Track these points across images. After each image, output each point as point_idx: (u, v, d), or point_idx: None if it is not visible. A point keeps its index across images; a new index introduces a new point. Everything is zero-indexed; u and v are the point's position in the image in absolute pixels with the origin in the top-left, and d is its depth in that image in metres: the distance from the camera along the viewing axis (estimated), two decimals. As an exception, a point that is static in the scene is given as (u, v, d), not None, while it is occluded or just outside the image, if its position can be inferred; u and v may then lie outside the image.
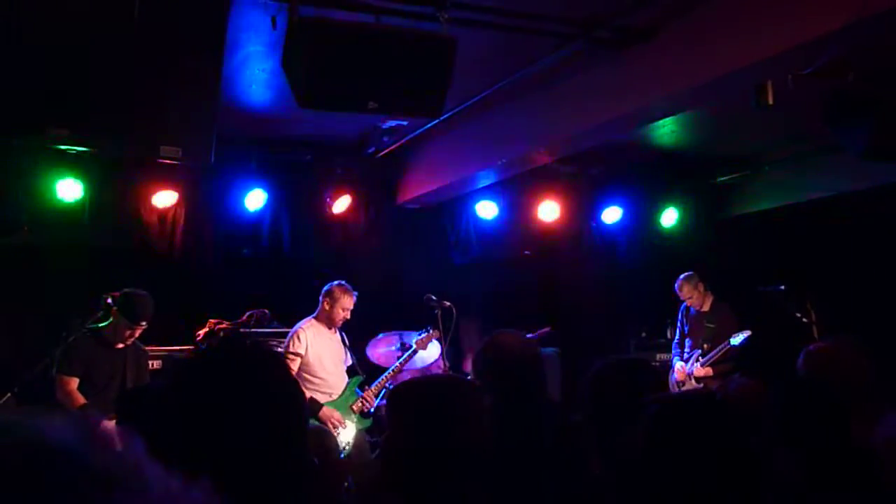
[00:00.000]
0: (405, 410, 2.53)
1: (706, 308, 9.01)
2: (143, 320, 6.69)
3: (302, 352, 7.44)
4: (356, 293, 7.66)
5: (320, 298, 7.67)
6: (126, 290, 6.78)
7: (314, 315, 7.68)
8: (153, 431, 1.71)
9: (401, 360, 7.98)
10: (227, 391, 1.73)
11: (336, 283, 7.66)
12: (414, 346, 8.06)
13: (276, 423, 1.75)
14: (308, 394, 7.33)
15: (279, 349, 7.70)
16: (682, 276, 9.10)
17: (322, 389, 7.46)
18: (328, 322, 7.63)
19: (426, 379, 2.82)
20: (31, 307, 8.28)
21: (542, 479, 3.37)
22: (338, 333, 7.75)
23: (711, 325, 8.87)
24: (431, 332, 8.04)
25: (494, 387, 3.77)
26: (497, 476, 3.17)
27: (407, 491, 2.42)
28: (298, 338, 7.51)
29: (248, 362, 1.82)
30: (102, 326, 6.75)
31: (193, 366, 1.89)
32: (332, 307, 7.58)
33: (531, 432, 3.56)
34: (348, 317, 7.64)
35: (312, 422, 7.02)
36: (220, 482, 1.59)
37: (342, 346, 7.77)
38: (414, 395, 2.59)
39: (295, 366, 7.37)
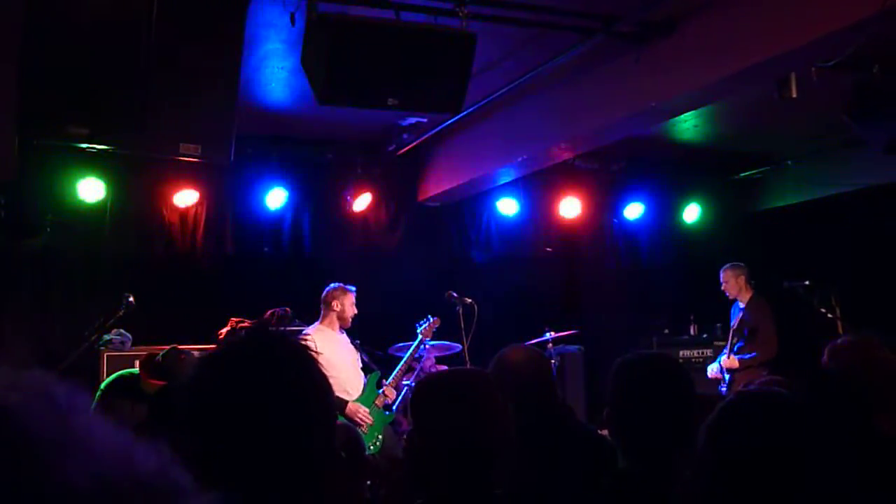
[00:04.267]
0: (430, 407, 2.50)
1: (743, 303, 8.95)
2: None
3: None
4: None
5: (323, 302, 7.71)
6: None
7: (318, 321, 7.72)
8: (181, 426, 1.69)
9: (409, 351, 7.96)
10: (256, 383, 1.70)
11: (335, 285, 7.72)
12: (420, 336, 8.03)
13: (305, 415, 1.72)
14: None
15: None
16: (728, 264, 9.06)
17: (339, 388, 7.47)
18: (341, 322, 7.67)
19: (448, 374, 2.78)
20: (53, 307, 8.31)
21: (560, 487, 3.36)
22: (345, 335, 7.78)
23: (746, 319, 8.80)
24: (433, 319, 8.02)
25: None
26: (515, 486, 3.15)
27: (432, 491, 2.40)
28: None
29: (276, 354, 1.79)
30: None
31: (220, 358, 1.87)
32: (343, 307, 7.63)
33: (543, 444, 3.56)
34: (356, 311, 7.70)
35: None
36: (247, 475, 1.58)
37: (353, 347, 7.79)
38: (437, 391, 2.56)
39: None
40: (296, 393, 1.73)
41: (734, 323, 8.88)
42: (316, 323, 7.73)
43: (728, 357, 8.71)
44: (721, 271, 9.03)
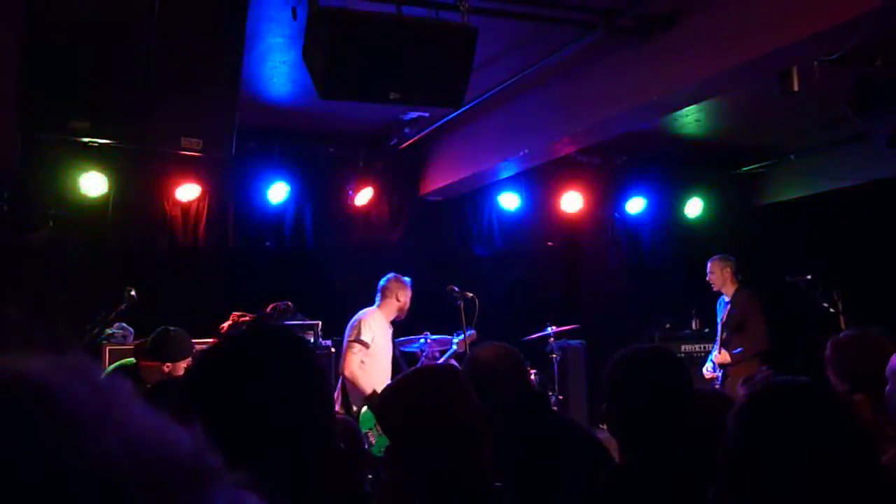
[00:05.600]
0: (395, 414, 2.50)
1: (728, 296, 8.95)
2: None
3: (369, 340, 7.48)
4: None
5: (385, 292, 7.75)
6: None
7: (377, 306, 7.74)
8: (180, 416, 1.69)
9: (443, 360, 7.99)
10: (255, 375, 1.71)
11: (396, 276, 7.80)
12: (454, 348, 8.06)
13: (304, 407, 1.72)
14: (370, 386, 7.27)
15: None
16: (716, 255, 9.05)
17: (378, 383, 7.47)
18: (399, 314, 7.76)
19: (402, 379, 2.79)
20: (55, 301, 8.32)
21: (541, 478, 3.36)
22: (391, 328, 7.83)
23: (733, 313, 8.80)
24: (473, 332, 8.03)
25: (480, 398, 3.80)
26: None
27: (427, 492, 2.40)
28: (369, 326, 7.53)
29: (276, 346, 1.80)
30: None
31: (220, 350, 1.87)
32: (406, 301, 7.74)
33: (519, 436, 3.57)
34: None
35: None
36: (246, 466, 1.57)
37: (390, 341, 7.84)
38: (396, 398, 2.56)
39: (361, 356, 7.40)
40: (295, 385, 1.73)
41: (722, 317, 8.89)
42: (374, 307, 7.75)
43: (719, 352, 8.70)
44: (708, 262, 9.04)
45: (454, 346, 8.09)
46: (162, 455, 0.62)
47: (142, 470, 0.59)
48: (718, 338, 8.81)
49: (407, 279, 7.82)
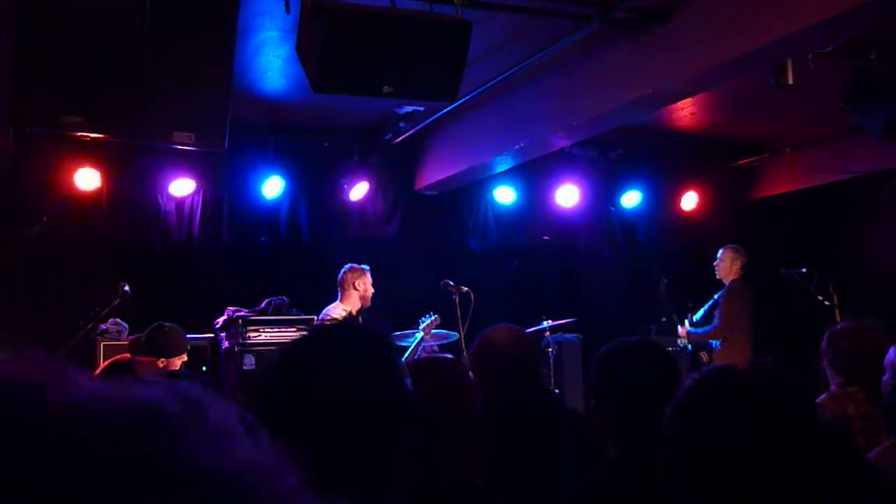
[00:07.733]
0: None
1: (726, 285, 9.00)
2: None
3: None
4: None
5: (342, 284, 7.71)
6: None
7: (339, 300, 7.69)
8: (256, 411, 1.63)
9: (409, 350, 7.92)
10: (357, 377, 1.65)
11: (350, 266, 7.78)
12: (421, 334, 8.00)
13: (393, 417, 1.68)
14: None
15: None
16: (731, 245, 9.09)
17: None
18: (363, 302, 7.72)
19: (415, 366, 2.76)
20: (49, 297, 8.31)
21: (544, 467, 3.35)
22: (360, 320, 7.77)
23: (718, 298, 8.89)
24: (436, 317, 8.01)
25: (488, 382, 3.77)
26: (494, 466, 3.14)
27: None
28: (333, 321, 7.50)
29: (373, 346, 1.74)
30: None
31: (313, 345, 1.81)
32: (366, 287, 7.71)
33: (525, 423, 3.56)
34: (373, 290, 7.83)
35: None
36: (324, 474, 1.54)
37: None
38: None
39: None
40: (391, 394, 1.69)
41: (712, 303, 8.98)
42: (336, 302, 7.71)
43: (682, 325, 8.84)
44: (721, 249, 9.06)
45: (420, 333, 8.02)
46: (254, 469, 0.62)
47: (241, 481, 0.60)
48: (691, 315, 8.92)
49: (365, 267, 7.81)
